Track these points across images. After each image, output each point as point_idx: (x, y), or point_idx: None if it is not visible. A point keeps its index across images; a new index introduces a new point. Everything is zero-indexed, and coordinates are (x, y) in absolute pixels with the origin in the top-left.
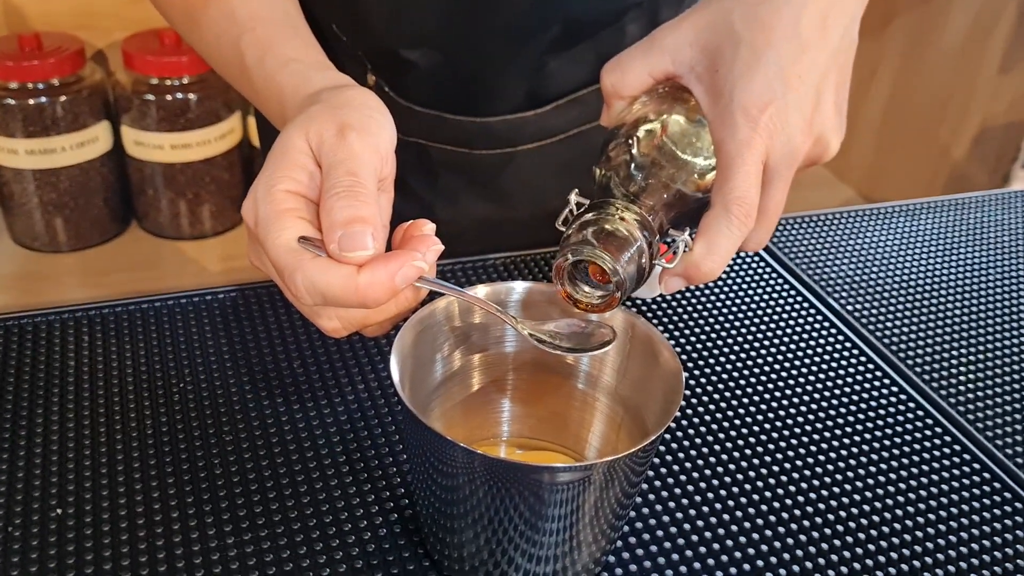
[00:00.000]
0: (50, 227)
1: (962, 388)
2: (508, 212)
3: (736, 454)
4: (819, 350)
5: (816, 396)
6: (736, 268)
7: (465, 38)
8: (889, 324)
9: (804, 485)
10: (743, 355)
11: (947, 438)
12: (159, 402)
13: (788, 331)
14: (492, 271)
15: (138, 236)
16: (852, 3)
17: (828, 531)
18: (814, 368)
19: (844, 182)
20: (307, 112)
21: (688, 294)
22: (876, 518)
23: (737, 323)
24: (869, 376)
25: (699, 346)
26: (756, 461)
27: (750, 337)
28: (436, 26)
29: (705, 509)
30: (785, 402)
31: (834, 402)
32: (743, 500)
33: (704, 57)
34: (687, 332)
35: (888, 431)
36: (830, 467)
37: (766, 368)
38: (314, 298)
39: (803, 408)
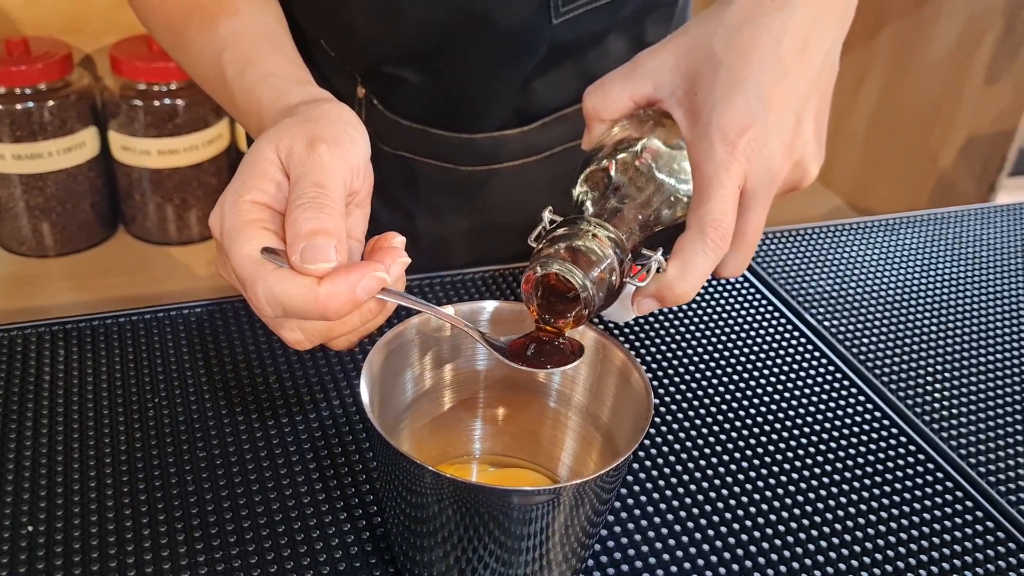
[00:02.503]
0: (37, 232)
1: (936, 405)
2: (492, 226)
3: (710, 472)
4: (795, 366)
5: (791, 413)
6: (714, 282)
7: (453, 58)
8: (866, 340)
9: (777, 504)
10: (718, 370)
11: (921, 456)
12: (133, 417)
13: (764, 347)
14: (472, 286)
15: (125, 241)
16: (833, 28)
17: (799, 550)
18: (789, 385)
19: (831, 191)
20: (280, 124)
21: (665, 308)
22: (848, 537)
23: (713, 338)
24: (844, 393)
25: (674, 360)
26: (730, 479)
27: (726, 352)
28: (425, 46)
29: (678, 528)
30: (760, 419)
31: (808, 419)
32: (715, 519)
33: (684, 81)
34: (662, 346)
35: (862, 448)
36: (803, 485)
37: (741, 384)
38: (275, 310)
39: (777, 425)
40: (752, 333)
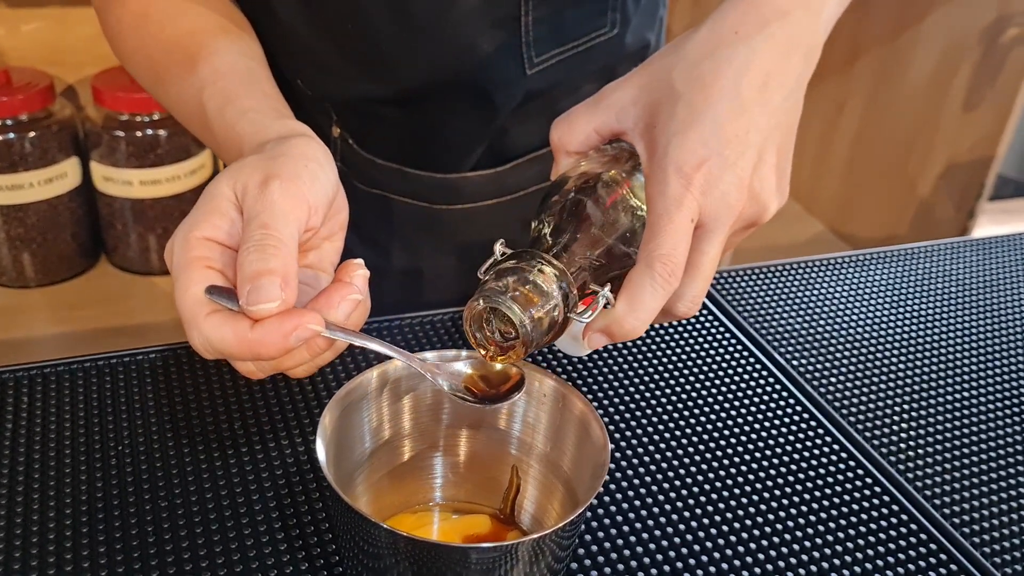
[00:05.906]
0: (17, 262)
1: (903, 446)
2: (467, 265)
3: (675, 516)
4: (762, 406)
5: (757, 455)
6: (681, 321)
7: (431, 105)
8: (834, 380)
9: (742, 549)
10: (684, 410)
11: (886, 497)
12: (95, 466)
13: (732, 385)
14: (443, 328)
15: (107, 271)
16: (797, 65)
17: None
18: (756, 425)
19: (813, 216)
20: (242, 161)
21: (630, 344)
22: None
23: (680, 376)
24: (811, 434)
25: (640, 399)
26: (695, 523)
27: (692, 392)
28: (405, 93)
29: (640, 575)
30: (726, 460)
31: (775, 460)
32: (679, 565)
33: (645, 114)
34: (627, 383)
35: (828, 490)
36: (768, 529)
37: (708, 425)
38: (211, 353)
39: (743, 467)
40: (719, 371)
